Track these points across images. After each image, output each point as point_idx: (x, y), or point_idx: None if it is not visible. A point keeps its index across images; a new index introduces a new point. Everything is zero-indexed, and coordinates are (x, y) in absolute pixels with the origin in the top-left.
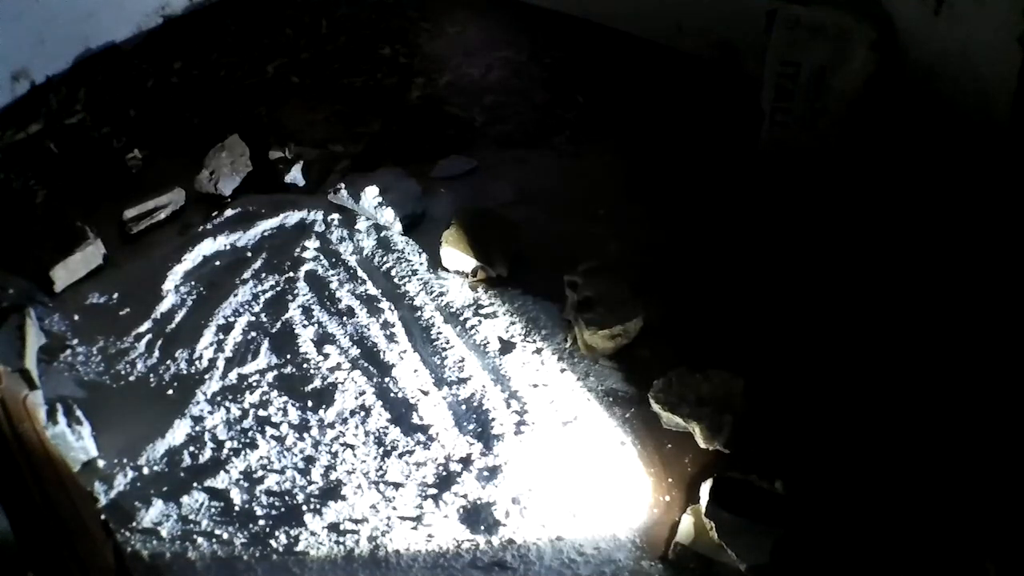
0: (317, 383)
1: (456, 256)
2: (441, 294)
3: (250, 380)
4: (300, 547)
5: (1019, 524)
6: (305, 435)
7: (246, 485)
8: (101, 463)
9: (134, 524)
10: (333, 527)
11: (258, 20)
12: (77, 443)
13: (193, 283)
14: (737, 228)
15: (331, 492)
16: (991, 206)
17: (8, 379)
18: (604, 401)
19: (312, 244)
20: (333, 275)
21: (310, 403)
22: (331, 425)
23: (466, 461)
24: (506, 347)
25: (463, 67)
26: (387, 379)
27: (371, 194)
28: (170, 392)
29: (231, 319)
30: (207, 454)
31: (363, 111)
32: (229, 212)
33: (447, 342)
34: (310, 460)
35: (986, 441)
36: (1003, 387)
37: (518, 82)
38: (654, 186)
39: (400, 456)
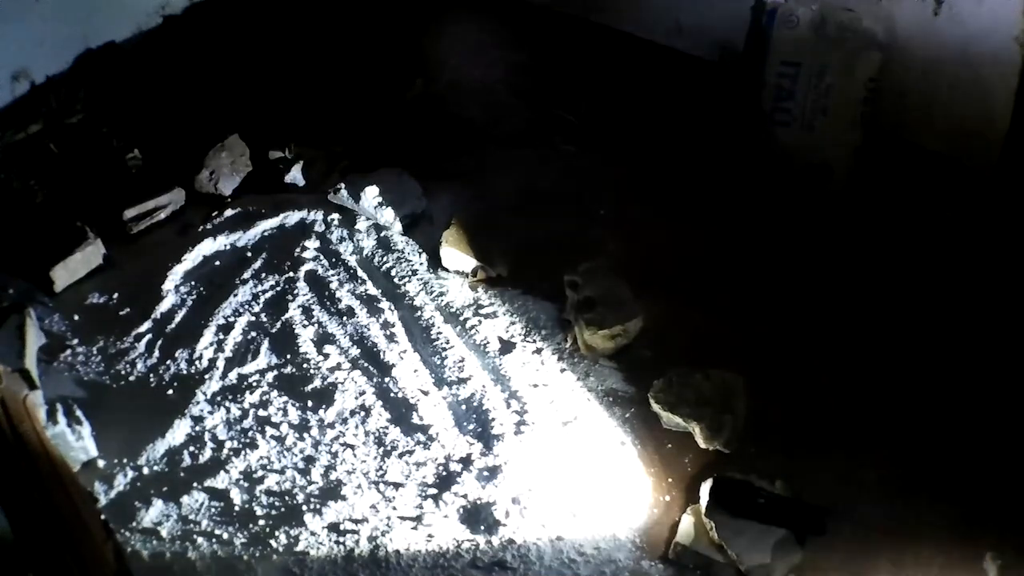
0: (317, 383)
1: (456, 256)
2: (441, 294)
3: (250, 380)
4: (300, 547)
5: (1020, 517)
6: (305, 435)
7: (246, 485)
8: (101, 463)
9: (134, 524)
10: (333, 527)
11: (258, 19)
12: (77, 443)
13: (193, 283)
14: (737, 227)
15: (331, 492)
16: (991, 205)
17: (8, 379)
18: (604, 401)
19: (312, 244)
20: (333, 275)
21: (310, 403)
22: (331, 425)
23: (466, 461)
24: (506, 347)
25: (463, 67)
26: (387, 379)
27: (371, 194)
28: (170, 392)
29: (231, 319)
30: (207, 454)
31: (363, 111)
32: (229, 212)
33: (447, 342)
34: (310, 460)
35: (986, 433)
36: (1003, 378)
37: (518, 82)
38: (654, 186)
39: (400, 456)
